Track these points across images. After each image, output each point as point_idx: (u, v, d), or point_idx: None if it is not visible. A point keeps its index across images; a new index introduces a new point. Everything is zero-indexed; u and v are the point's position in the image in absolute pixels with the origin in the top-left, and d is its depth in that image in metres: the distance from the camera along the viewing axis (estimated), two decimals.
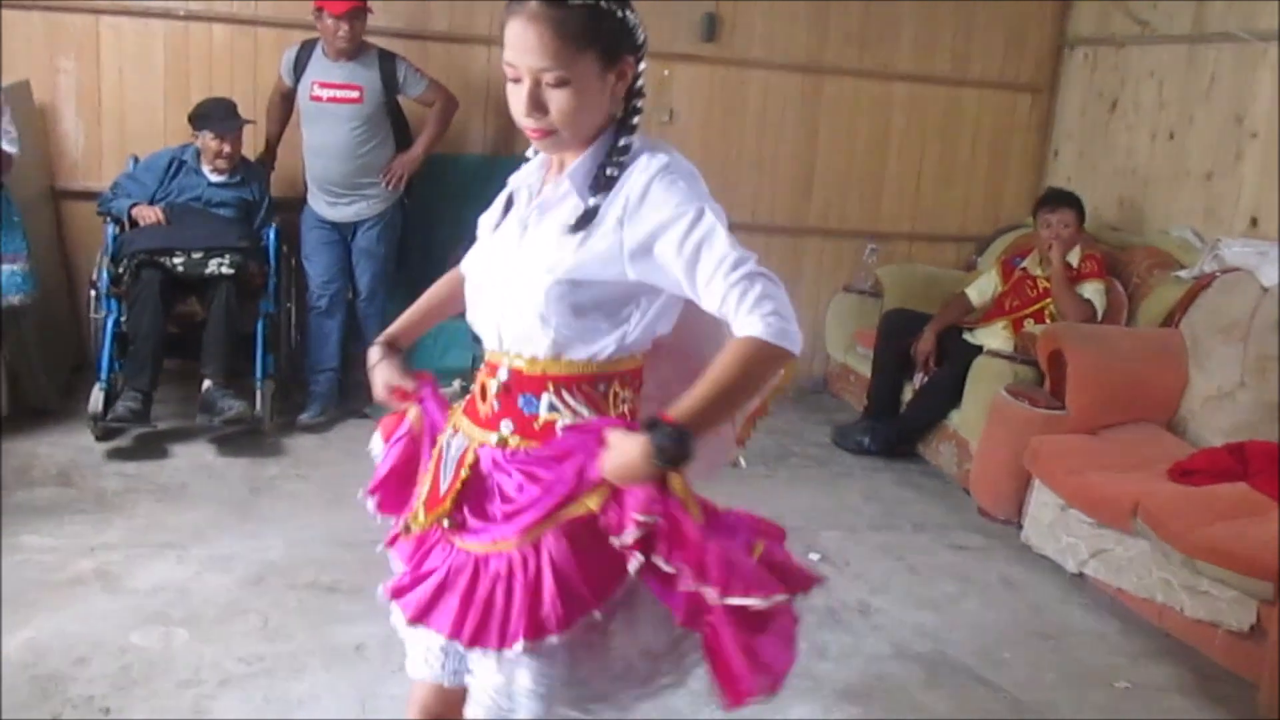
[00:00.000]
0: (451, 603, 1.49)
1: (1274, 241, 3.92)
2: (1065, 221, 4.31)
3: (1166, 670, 2.93)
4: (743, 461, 1.76)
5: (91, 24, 4.54)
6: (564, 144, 1.49)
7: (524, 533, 1.46)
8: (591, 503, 1.44)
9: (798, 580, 1.48)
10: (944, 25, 5.28)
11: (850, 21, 5.19)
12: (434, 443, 1.66)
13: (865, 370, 4.82)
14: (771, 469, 4.25)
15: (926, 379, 4.43)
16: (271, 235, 4.36)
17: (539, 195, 1.56)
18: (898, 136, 5.38)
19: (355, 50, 4.21)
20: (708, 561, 1.39)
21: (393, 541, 1.68)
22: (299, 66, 4.27)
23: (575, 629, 1.44)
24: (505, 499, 1.51)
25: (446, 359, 4.24)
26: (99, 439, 3.93)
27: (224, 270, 4.03)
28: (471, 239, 1.65)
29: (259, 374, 4.14)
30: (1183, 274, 4.15)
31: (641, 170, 1.46)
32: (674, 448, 1.36)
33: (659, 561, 1.42)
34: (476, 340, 1.62)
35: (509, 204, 1.61)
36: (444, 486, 1.57)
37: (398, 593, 1.56)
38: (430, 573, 1.54)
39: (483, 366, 1.59)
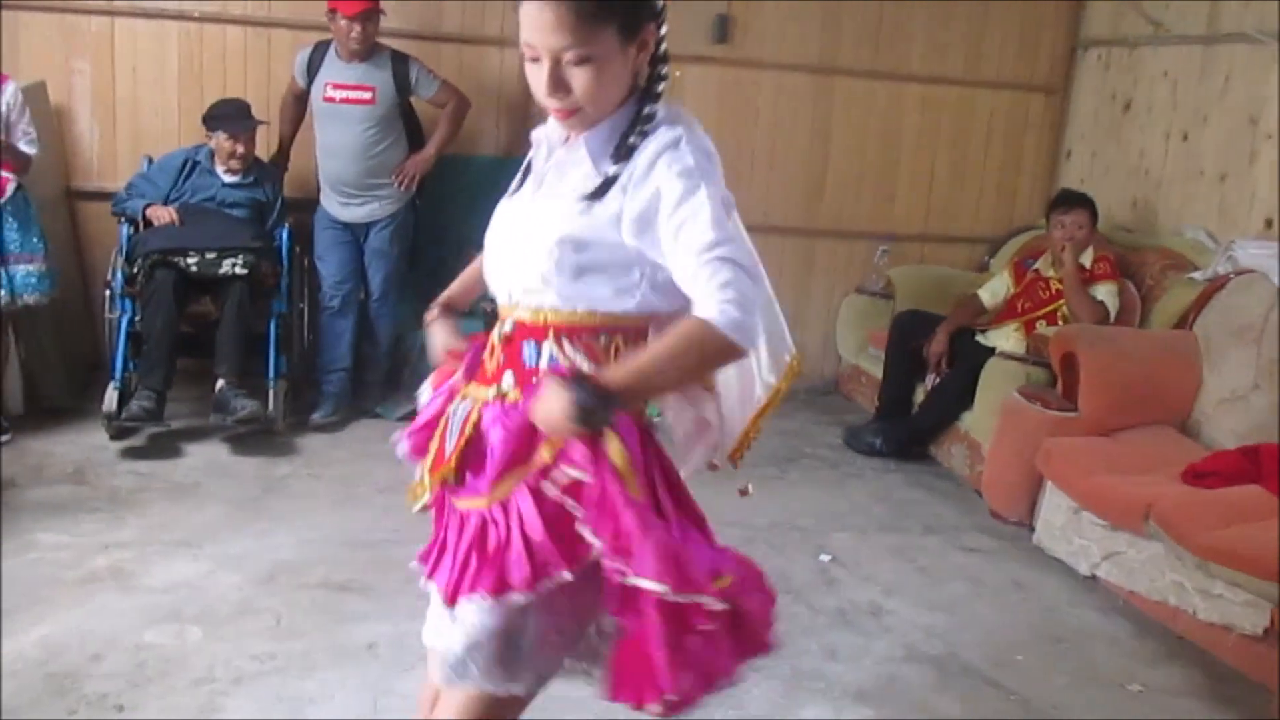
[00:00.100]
0: (446, 562, 1.53)
1: None
2: (1078, 223, 4.29)
3: (1179, 673, 2.92)
4: (751, 488, 1.75)
5: (107, 26, 4.57)
6: (589, 121, 1.49)
7: (492, 487, 1.47)
8: (545, 454, 1.44)
9: (750, 627, 1.45)
10: (957, 26, 5.26)
11: (863, 22, 5.18)
12: None
13: (876, 371, 4.81)
14: (782, 470, 4.25)
15: (938, 380, 4.42)
16: (284, 236, 4.38)
17: (557, 152, 1.55)
18: (910, 138, 5.37)
19: (368, 51, 4.23)
20: (627, 535, 1.37)
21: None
22: (312, 67, 4.29)
23: (540, 589, 1.44)
24: (493, 454, 1.51)
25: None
26: (113, 438, 3.96)
27: (237, 270, 4.06)
28: (483, 240, 1.66)
29: (271, 374, 4.16)
30: (1196, 275, 4.12)
31: (656, 141, 1.45)
32: (593, 408, 1.34)
33: (584, 530, 1.41)
34: (491, 312, 1.62)
35: (528, 166, 1.61)
36: (449, 450, 1.57)
37: (423, 558, 1.60)
38: (444, 537, 1.57)
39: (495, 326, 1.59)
